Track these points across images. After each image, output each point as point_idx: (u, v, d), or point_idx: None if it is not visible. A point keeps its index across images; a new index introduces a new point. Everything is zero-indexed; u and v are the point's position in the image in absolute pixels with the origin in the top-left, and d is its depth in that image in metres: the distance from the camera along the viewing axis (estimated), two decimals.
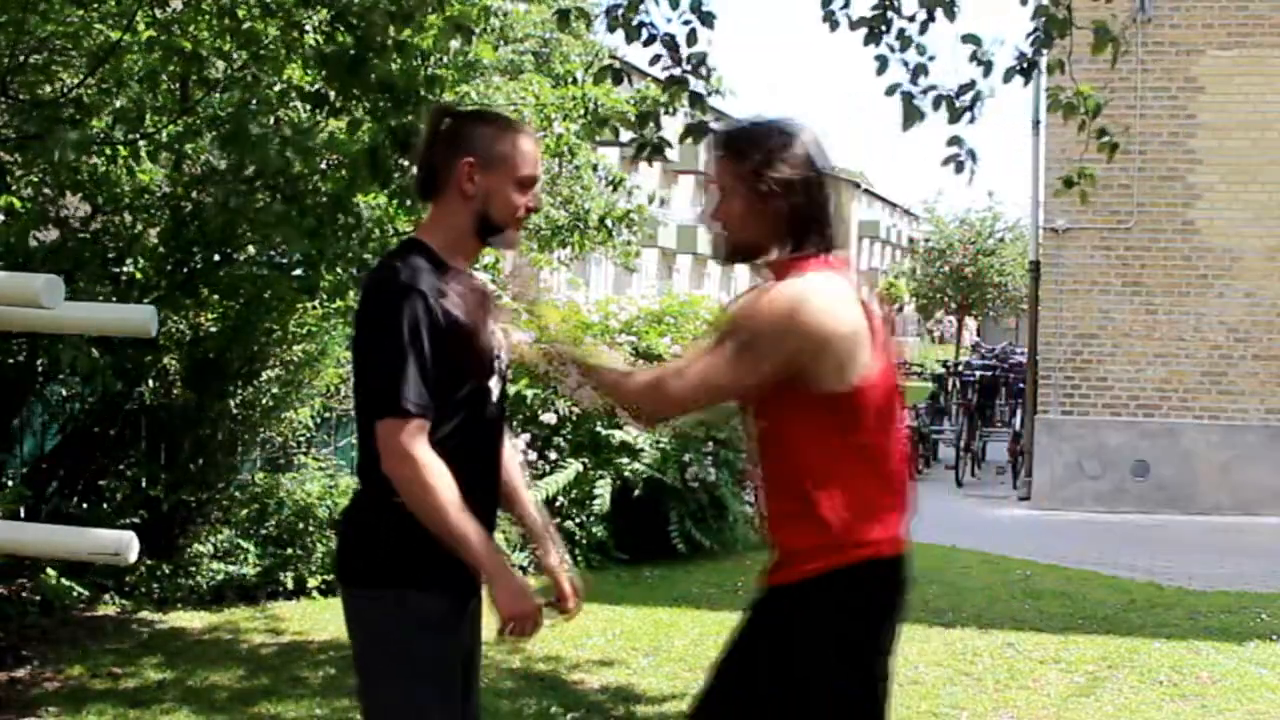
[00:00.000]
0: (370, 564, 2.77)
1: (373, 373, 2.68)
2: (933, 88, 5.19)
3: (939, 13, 5.25)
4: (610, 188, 9.57)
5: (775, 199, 2.62)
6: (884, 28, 5.33)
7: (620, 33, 5.43)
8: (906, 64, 5.28)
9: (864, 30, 5.35)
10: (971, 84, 5.18)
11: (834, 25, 5.46)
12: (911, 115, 5.13)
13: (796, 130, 2.67)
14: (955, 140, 5.29)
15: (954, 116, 5.16)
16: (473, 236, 2.82)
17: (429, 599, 2.71)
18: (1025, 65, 5.05)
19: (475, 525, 2.66)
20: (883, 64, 5.29)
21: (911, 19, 5.31)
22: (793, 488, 2.62)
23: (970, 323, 35.66)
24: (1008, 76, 5.21)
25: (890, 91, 5.21)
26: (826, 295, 2.57)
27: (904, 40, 5.31)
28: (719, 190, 2.70)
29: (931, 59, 5.28)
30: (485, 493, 2.83)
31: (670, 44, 5.39)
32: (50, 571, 6.39)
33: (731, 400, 2.79)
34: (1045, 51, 4.97)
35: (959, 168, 5.32)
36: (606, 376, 2.77)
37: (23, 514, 6.46)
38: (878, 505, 2.62)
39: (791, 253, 2.64)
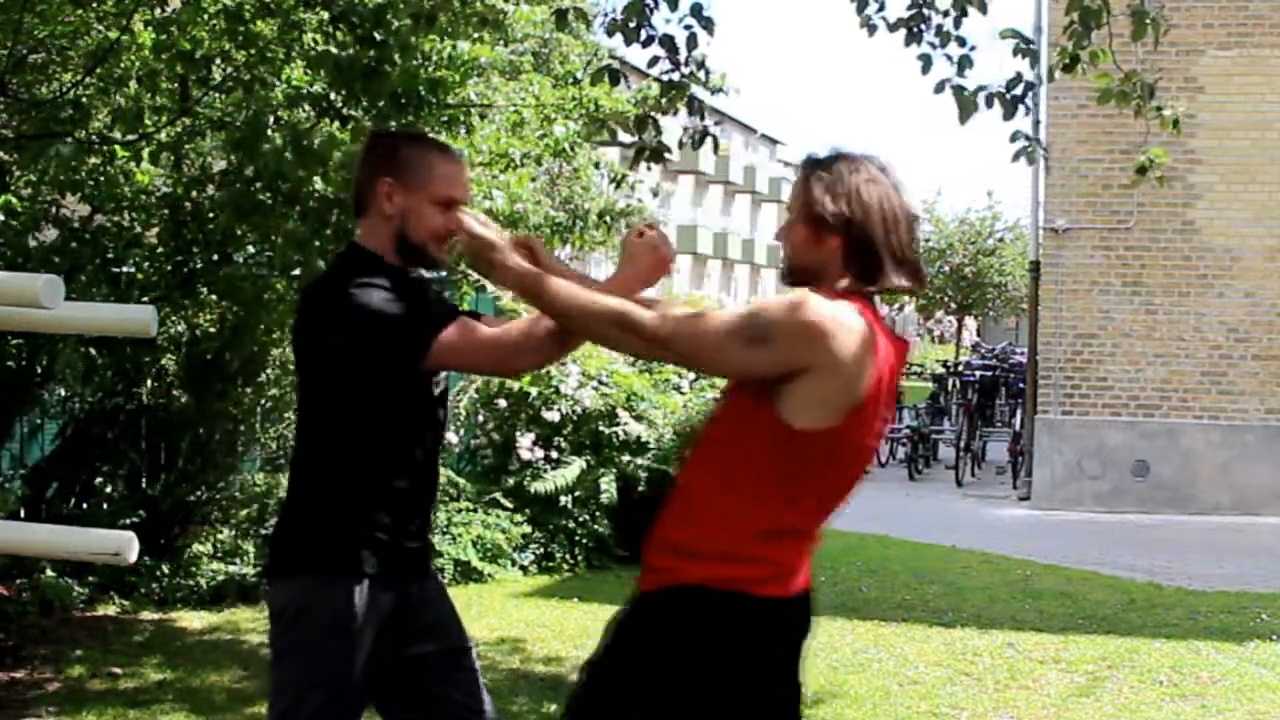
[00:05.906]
0: (284, 556, 2.88)
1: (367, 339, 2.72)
2: (982, 88, 5.16)
3: (970, 8, 5.24)
4: (613, 185, 9.53)
5: (831, 231, 2.55)
6: (921, 26, 5.30)
7: (619, 34, 5.41)
8: (950, 58, 5.25)
9: (902, 32, 5.32)
10: (1018, 77, 5.17)
11: (871, 30, 5.42)
12: (966, 107, 5.08)
13: (870, 167, 2.60)
14: (1018, 135, 5.27)
15: (1008, 112, 5.13)
16: (394, 254, 2.87)
17: (338, 598, 2.75)
18: (1069, 60, 5.03)
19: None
20: (927, 63, 5.24)
21: (946, 14, 5.27)
22: (706, 500, 2.55)
23: (970, 323, 35.62)
24: (1050, 74, 5.20)
25: (939, 89, 5.16)
26: (858, 332, 2.48)
27: (944, 36, 5.29)
28: (789, 210, 2.67)
29: (973, 49, 5.24)
30: (424, 460, 2.93)
31: (669, 45, 5.37)
32: (50, 571, 6.40)
33: (700, 364, 2.76)
34: (1087, 43, 4.94)
35: (1029, 159, 5.32)
36: (570, 287, 2.69)
37: (22, 514, 6.47)
38: (781, 543, 2.54)
39: (840, 287, 2.55)
